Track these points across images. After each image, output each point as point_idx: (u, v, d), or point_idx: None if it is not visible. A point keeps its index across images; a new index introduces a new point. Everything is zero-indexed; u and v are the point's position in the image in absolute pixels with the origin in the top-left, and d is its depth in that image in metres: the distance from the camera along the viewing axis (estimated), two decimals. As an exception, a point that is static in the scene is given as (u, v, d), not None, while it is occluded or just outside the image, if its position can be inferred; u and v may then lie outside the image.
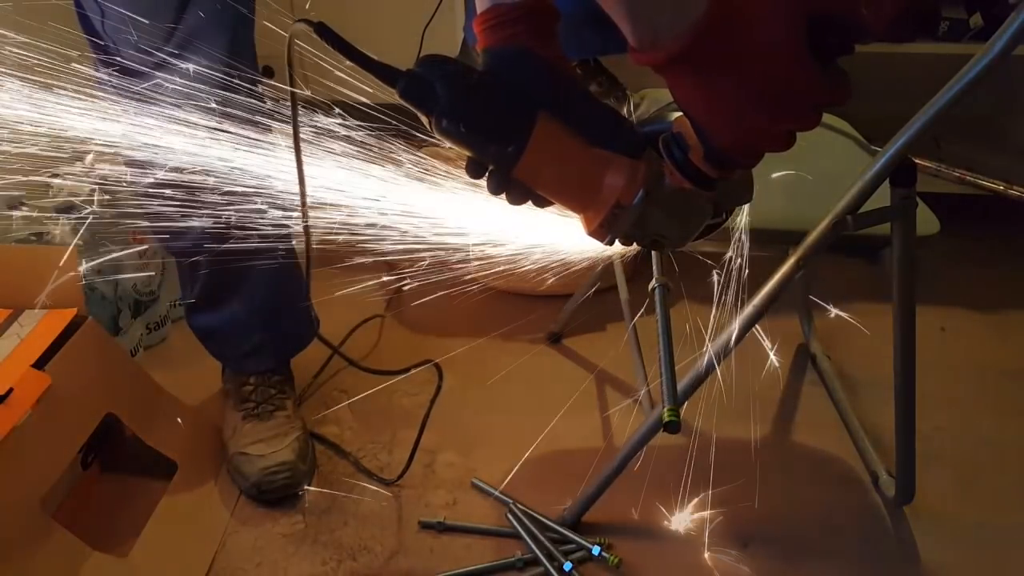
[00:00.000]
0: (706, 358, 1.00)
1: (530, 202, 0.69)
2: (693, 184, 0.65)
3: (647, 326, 1.06)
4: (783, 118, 0.59)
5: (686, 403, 1.02)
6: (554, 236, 0.85)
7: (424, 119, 0.64)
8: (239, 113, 0.94)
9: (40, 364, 1.02)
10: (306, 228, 0.80)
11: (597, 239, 0.70)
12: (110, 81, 1.06)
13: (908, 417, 1.10)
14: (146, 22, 0.99)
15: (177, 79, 1.03)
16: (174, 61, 1.02)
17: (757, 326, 0.98)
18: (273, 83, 0.80)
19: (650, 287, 1.04)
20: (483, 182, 0.67)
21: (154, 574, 1.09)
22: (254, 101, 1.06)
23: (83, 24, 1.05)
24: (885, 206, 0.93)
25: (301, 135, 0.78)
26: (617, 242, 0.70)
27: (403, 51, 0.65)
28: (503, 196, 0.67)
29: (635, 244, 0.72)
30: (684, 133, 0.64)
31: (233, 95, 1.06)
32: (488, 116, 0.63)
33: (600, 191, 0.66)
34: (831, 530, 1.20)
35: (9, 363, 1.01)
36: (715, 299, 0.99)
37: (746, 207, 0.82)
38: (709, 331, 1.03)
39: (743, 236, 0.92)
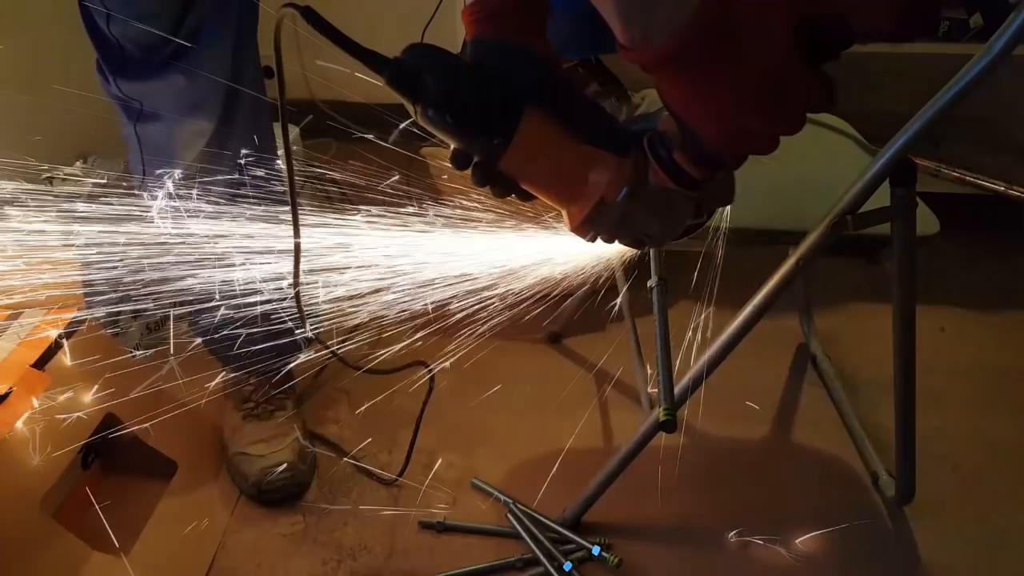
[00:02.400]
0: (706, 358, 1.00)
1: (514, 196, 0.69)
2: (676, 183, 0.65)
3: (647, 326, 1.06)
4: (768, 120, 0.59)
5: (686, 403, 1.03)
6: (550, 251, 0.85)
7: (410, 108, 0.63)
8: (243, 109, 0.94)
9: (40, 364, 1.02)
10: (295, 228, 0.80)
11: (579, 236, 0.69)
12: (114, 82, 1.06)
13: (908, 417, 1.10)
14: (153, 15, 1.00)
15: (182, 78, 1.03)
16: (179, 60, 1.02)
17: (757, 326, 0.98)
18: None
19: (648, 286, 1.04)
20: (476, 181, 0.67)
21: (154, 574, 1.09)
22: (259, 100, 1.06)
23: (87, 25, 1.05)
24: (885, 206, 0.93)
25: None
26: (599, 240, 0.70)
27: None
28: (487, 188, 0.67)
29: (617, 242, 0.72)
30: (670, 132, 0.64)
31: (237, 93, 1.06)
32: (475, 107, 0.63)
33: (584, 187, 0.66)
34: (831, 530, 1.20)
35: (9, 363, 1.01)
36: (716, 299, 0.99)
37: (728, 207, 0.82)
38: (709, 331, 1.03)
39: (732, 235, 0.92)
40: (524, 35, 0.68)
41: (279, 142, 1.17)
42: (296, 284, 0.89)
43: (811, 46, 0.56)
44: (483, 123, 0.63)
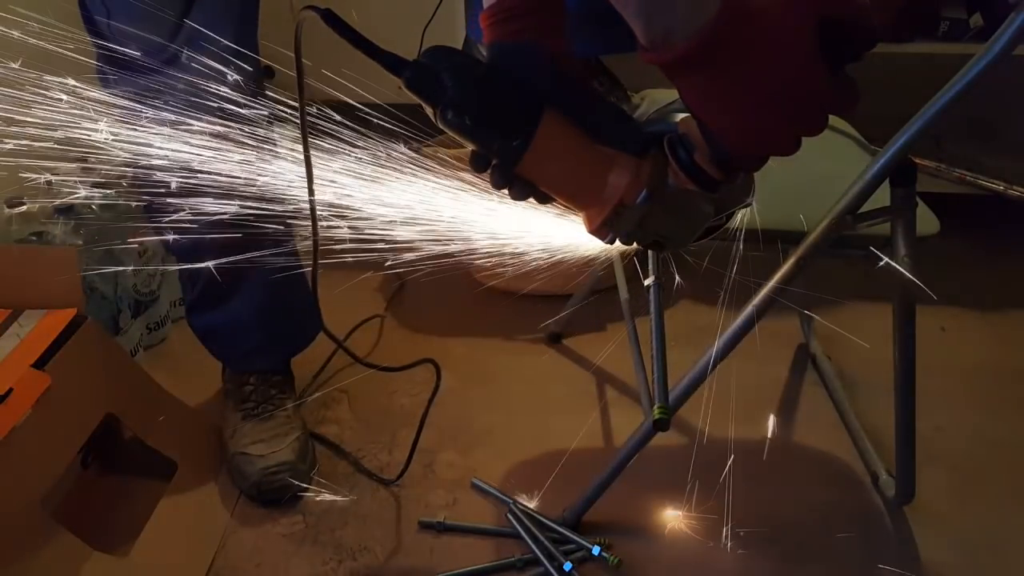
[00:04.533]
0: (706, 358, 1.00)
1: (533, 198, 0.69)
2: (697, 185, 0.65)
3: (647, 326, 1.07)
4: (791, 122, 0.59)
5: (686, 403, 1.03)
6: (556, 234, 0.85)
7: (429, 110, 0.63)
8: (243, 111, 0.94)
9: (40, 364, 1.02)
10: (314, 227, 0.80)
11: (599, 238, 0.69)
12: (115, 81, 1.06)
13: (908, 417, 1.10)
14: (153, 15, 1.00)
15: (181, 77, 1.03)
16: (178, 59, 1.03)
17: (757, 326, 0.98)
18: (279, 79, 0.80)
19: (645, 285, 1.05)
20: (486, 177, 0.67)
21: (154, 574, 1.09)
22: (258, 101, 1.06)
23: (87, 25, 1.05)
24: (885, 206, 0.93)
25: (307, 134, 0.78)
26: (618, 241, 0.70)
27: (403, 51, 0.65)
28: (506, 191, 0.67)
29: (636, 244, 0.72)
30: (690, 134, 0.63)
31: (237, 94, 1.06)
32: (494, 110, 0.63)
33: (603, 189, 0.66)
34: (831, 530, 1.20)
35: (9, 363, 1.01)
36: (716, 299, 0.99)
37: (746, 209, 0.82)
38: (708, 331, 1.02)
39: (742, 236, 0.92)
40: (542, 37, 0.68)
41: (278, 142, 1.17)
42: (313, 283, 0.90)
43: (833, 47, 0.56)
44: (502, 126, 0.63)
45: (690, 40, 0.55)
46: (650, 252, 1.05)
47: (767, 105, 0.57)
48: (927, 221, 1.05)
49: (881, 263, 0.98)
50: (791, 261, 0.94)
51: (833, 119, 1.32)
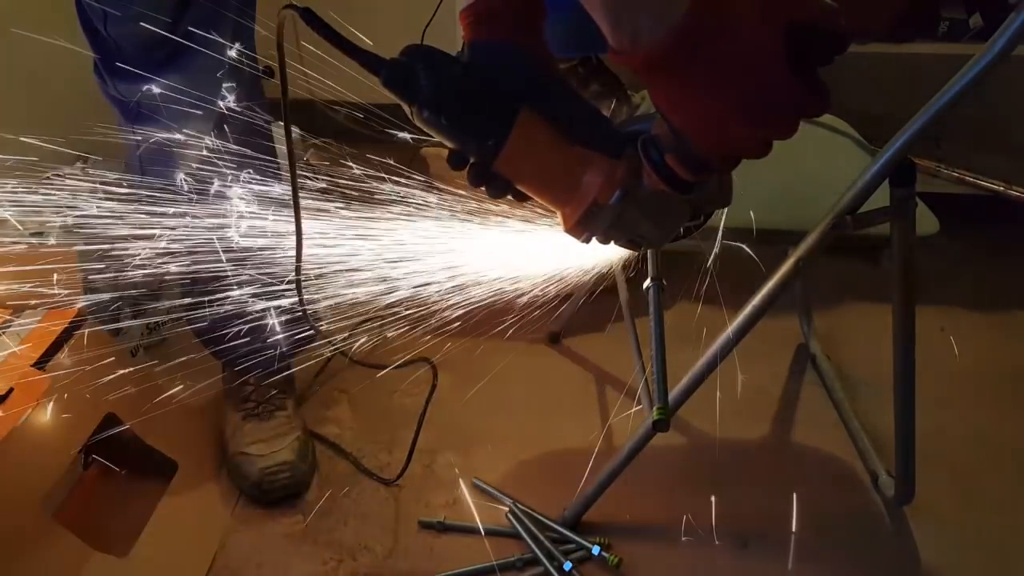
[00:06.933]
0: (705, 358, 1.00)
1: (510, 196, 0.69)
2: (669, 186, 0.65)
3: (647, 326, 1.07)
4: (759, 125, 0.58)
5: (686, 403, 1.03)
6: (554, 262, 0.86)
7: (406, 108, 0.64)
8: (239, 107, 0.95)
9: (40, 364, 1.02)
10: (298, 226, 0.80)
11: (574, 237, 0.70)
12: (111, 83, 1.06)
13: (908, 417, 1.10)
14: (151, 15, 1.00)
15: (179, 79, 1.03)
16: (176, 61, 1.03)
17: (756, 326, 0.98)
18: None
19: (644, 286, 1.05)
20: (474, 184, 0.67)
21: (154, 574, 1.09)
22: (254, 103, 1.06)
23: (84, 25, 1.05)
24: (885, 206, 0.93)
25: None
26: (594, 240, 0.70)
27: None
28: (483, 188, 0.68)
29: (612, 243, 0.72)
30: (662, 135, 0.64)
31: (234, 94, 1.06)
32: (470, 109, 0.64)
33: (578, 189, 0.66)
34: (831, 530, 1.20)
35: (9, 363, 1.01)
36: (716, 300, 0.99)
37: (726, 208, 0.82)
38: (707, 331, 1.03)
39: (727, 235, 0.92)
40: (520, 37, 0.68)
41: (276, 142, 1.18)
42: (298, 279, 0.90)
43: (803, 51, 0.56)
44: (477, 124, 0.64)
45: (657, 42, 0.55)
46: (650, 253, 1.05)
47: (734, 108, 0.57)
48: (927, 221, 1.05)
49: (881, 263, 0.98)
50: (791, 261, 0.94)
51: (834, 120, 1.33)
